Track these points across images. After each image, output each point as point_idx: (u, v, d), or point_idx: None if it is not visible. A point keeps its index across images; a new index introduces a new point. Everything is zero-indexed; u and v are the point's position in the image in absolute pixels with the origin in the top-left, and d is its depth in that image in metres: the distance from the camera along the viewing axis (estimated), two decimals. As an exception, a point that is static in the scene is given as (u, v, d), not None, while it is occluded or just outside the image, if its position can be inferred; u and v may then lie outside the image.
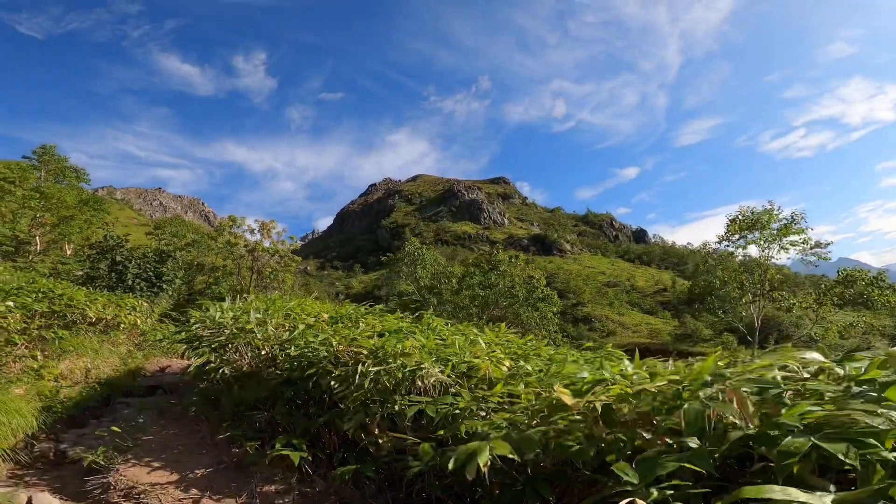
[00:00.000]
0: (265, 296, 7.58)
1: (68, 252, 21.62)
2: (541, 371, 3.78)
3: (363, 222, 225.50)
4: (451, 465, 2.10)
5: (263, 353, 4.91)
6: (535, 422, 2.58)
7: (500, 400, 3.20)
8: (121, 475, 3.52)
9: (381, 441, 3.79)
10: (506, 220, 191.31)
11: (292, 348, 4.49)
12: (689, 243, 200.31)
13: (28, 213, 19.81)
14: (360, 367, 3.67)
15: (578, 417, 2.30)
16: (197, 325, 5.79)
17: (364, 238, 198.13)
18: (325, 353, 4.14)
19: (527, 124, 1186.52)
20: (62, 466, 4.67)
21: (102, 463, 3.90)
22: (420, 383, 3.74)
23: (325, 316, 5.85)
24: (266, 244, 20.53)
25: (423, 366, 3.51)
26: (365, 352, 3.96)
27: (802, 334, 63.86)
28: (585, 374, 2.68)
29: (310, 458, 3.58)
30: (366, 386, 3.52)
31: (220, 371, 4.81)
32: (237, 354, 4.94)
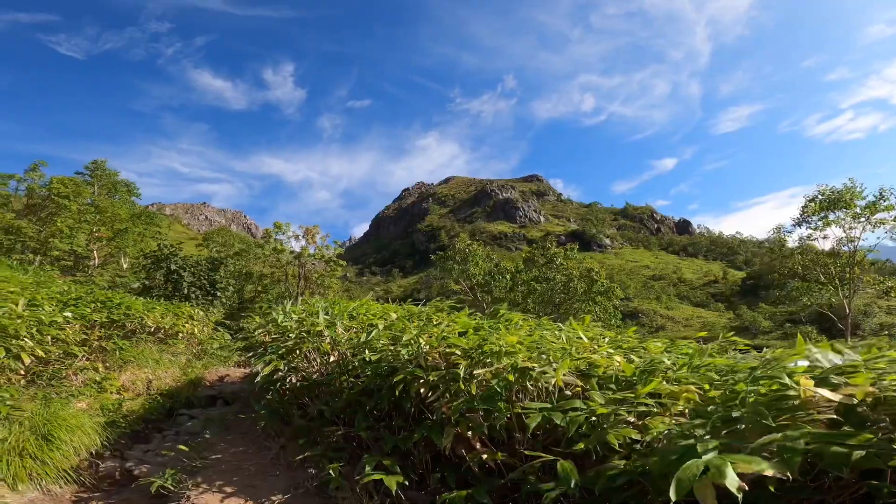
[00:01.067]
0: (323, 298, 7.15)
1: (124, 266, 22.25)
2: (675, 366, 3.08)
3: (398, 227, 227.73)
4: (673, 495, 1.45)
5: (332, 358, 4.40)
6: (739, 427, 1.90)
7: (648, 402, 2.54)
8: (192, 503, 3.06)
9: (484, 457, 3.18)
10: (541, 218, 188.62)
11: (367, 352, 3.95)
12: (737, 232, 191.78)
13: (85, 227, 20.41)
14: (459, 371, 3.07)
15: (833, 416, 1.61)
16: (259, 331, 5.38)
17: (400, 243, 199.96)
18: (408, 356, 3.58)
19: (556, 120, 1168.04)
20: (129, 488, 4.30)
21: (172, 488, 3.46)
22: (531, 386, 3.11)
23: (394, 315, 5.30)
24: (311, 250, 20.47)
25: (544, 367, 2.87)
26: (459, 352, 3.37)
27: (875, 323, 59.02)
28: (803, 363, 1.98)
29: (405, 482, 3.00)
30: (473, 392, 2.92)
31: (289, 380, 4.33)
32: (305, 361, 4.45)
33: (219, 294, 15.06)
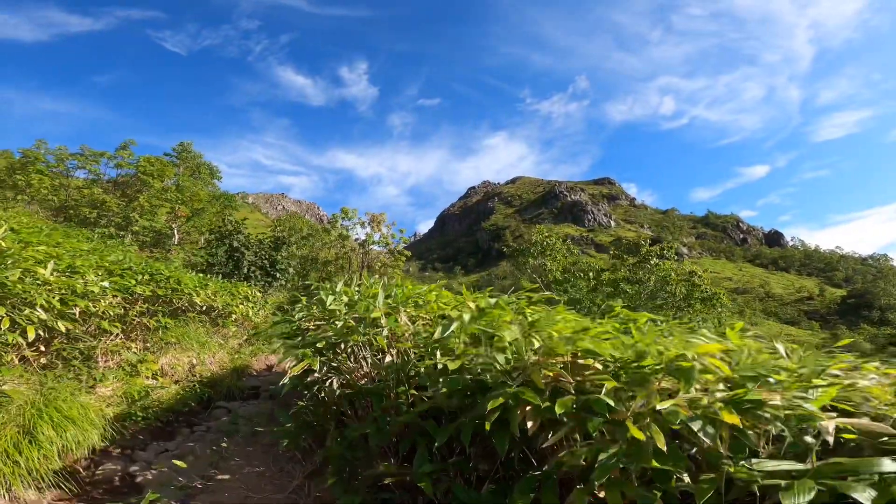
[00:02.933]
0: (383, 281, 5.87)
1: (202, 244, 22.82)
2: None
3: (463, 225, 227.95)
4: None
5: (388, 359, 3.14)
6: None
7: None
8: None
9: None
10: (612, 222, 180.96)
11: (438, 355, 2.65)
12: (837, 247, 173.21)
13: (165, 205, 21.04)
14: (605, 398, 1.68)
15: None
16: (302, 315, 4.27)
17: (464, 240, 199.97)
18: (507, 367, 2.23)
19: (631, 123, 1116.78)
20: (123, 497, 3.33)
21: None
22: (752, 433, 1.65)
23: (472, 305, 3.97)
24: (376, 237, 19.75)
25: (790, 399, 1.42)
26: (599, 366, 1.97)
27: None
28: None
29: None
30: (638, 435, 1.53)
31: (329, 384, 3.12)
32: (352, 360, 3.23)
33: (278, 276, 14.54)
